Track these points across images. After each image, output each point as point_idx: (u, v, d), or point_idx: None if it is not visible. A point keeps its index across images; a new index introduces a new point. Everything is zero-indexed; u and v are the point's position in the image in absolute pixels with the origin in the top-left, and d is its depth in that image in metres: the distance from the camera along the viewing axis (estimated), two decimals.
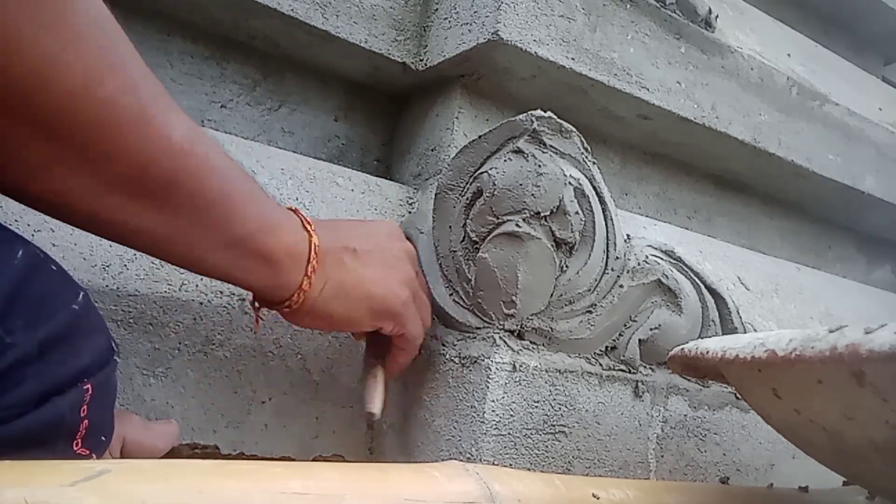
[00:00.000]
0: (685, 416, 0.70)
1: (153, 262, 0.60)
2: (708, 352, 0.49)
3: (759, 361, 0.43)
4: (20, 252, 0.36)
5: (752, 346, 0.44)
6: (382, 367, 0.60)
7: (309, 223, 0.49)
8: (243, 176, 0.45)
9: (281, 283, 0.47)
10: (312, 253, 0.47)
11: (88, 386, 0.38)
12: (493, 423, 0.57)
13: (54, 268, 0.38)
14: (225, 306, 0.62)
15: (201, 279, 0.62)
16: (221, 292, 0.62)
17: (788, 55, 1.04)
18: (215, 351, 0.61)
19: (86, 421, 0.38)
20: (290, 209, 0.50)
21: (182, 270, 0.61)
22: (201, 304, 0.61)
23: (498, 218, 0.59)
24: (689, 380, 0.70)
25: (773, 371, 0.43)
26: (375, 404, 0.58)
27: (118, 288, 0.57)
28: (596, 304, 0.63)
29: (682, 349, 0.53)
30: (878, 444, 0.41)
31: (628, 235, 0.68)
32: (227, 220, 0.43)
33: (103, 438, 0.41)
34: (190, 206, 0.41)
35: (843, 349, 0.37)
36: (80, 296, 0.39)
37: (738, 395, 0.73)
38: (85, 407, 0.38)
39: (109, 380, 0.41)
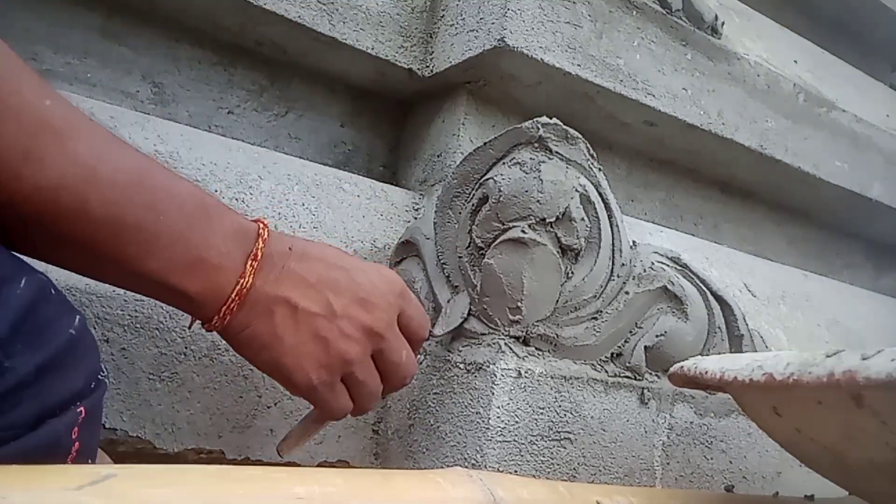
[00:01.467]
0: (691, 423, 0.70)
1: None
2: (707, 372, 0.49)
3: (757, 384, 0.43)
4: (23, 281, 0.37)
5: (751, 369, 0.44)
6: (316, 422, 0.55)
7: (255, 259, 0.44)
8: (160, 203, 0.41)
9: (196, 313, 0.45)
10: (234, 294, 0.44)
11: (81, 409, 0.39)
12: (498, 429, 0.57)
13: (53, 292, 0.39)
14: None
15: None
16: None
17: (795, 62, 1.04)
18: (221, 356, 0.61)
19: (77, 443, 0.39)
20: (257, 222, 0.46)
21: None
22: None
23: (503, 224, 0.59)
24: None
25: (772, 391, 0.43)
26: (286, 444, 0.55)
27: (124, 293, 0.57)
28: (601, 311, 0.63)
29: (682, 367, 0.53)
30: (878, 464, 0.41)
31: (634, 242, 0.68)
32: (121, 258, 0.40)
33: (90, 462, 0.41)
34: (71, 243, 0.39)
35: (840, 376, 0.37)
36: (77, 320, 0.39)
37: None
38: (76, 429, 0.38)
39: (99, 403, 0.41)
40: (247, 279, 0.44)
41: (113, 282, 0.44)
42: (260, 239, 0.45)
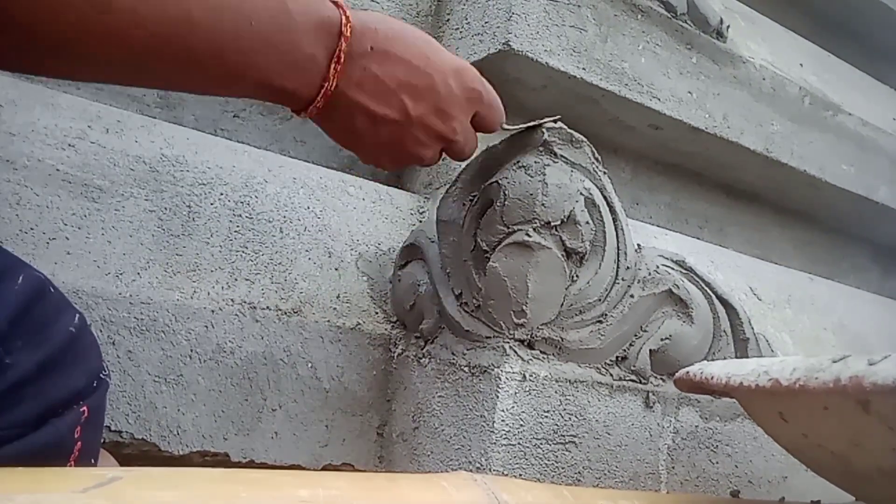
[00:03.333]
0: (696, 427, 0.70)
1: (166, 270, 0.60)
2: (713, 377, 0.49)
3: (763, 390, 0.42)
4: (21, 277, 0.37)
5: (757, 374, 0.43)
6: None
7: (338, 62, 0.46)
8: (247, 6, 0.42)
9: (291, 106, 0.48)
10: (320, 97, 0.46)
11: (84, 408, 0.39)
12: (503, 432, 0.57)
13: (52, 290, 0.39)
14: (236, 314, 0.62)
15: (213, 287, 0.62)
16: (233, 300, 0.62)
17: (801, 65, 1.04)
18: (226, 359, 0.61)
19: (79, 443, 0.39)
20: (339, 7, 0.47)
21: (194, 278, 0.61)
22: (213, 311, 0.61)
23: (508, 227, 0.59)
24: None
25: (778, 397, 0.43)
26: None
27: (131, 295, 0.58)
28: (606, 314, 0.63)
29: (688, 372, 0.53)
30: (885, 470, 0.41)
31: (639, 245, 0.68)
32: (224, 67, 0.42)
33: (92, 461, 0.42)
34: (176, 68, 0.41)
35: (846, 381, 0.37)
36: (77, 318, 0.39)
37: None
38: (79, 428, 0.38)
39: (102, 403, 0.41)
40: (330, 83, 0.46)
41: (214, 91, 0.47)
42: (342, 38, 0.45)
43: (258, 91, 0.45)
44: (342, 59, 0.46)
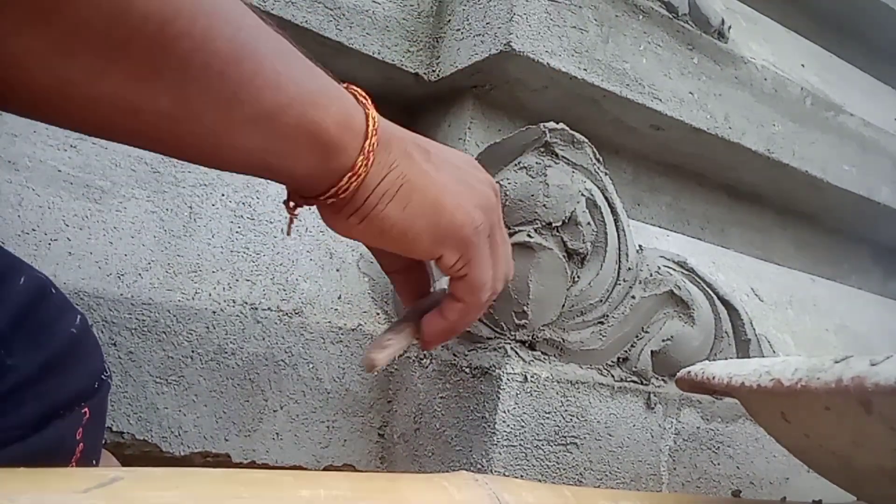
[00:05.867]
0: (698, 428, 0.70)
1: (167, 271, 0.60)
2: (714, 377, 0.49)
3: (764, 390, 0.42)
4: (22, 278, 0.37)
5: (758, 374, 0.43)
6: (414, 327, 0.48)
7: (364, 97, 0.40)
8: (274, 36, 0.35)
9: (330, 165, 0.37)
10: (371, 128, 0.38)
11: (86, 409, 0.39)
12: (504, 433, 0.57)
13: (54, 291, 0.39)
14: (237, 315, 0.62)
15: (214, 288, 0.62)
16: (234, 301, 0.63)
17: (802, 65, 1.04)
18: (227, 360, 0.61)
19: (81, 444, 0.39)
20: (341, 83, 0.40)
21: (196, 279, 0.61)
22: (214, 312, 0.61)
23: (509, 228, 0.59)
24: None
25: (780, 397, 0.43)
26: (380, 355, 0.45)
27: (132, 296, 0.58)
28: (608, 315, 0.63)
29: (689, 372, 0.53)
30: (887, 470, 0.41)
31: (640, 246, 0.68)
32: (253, 85, 0.33)
33: (94, 463, 0.42)
34: (194, 67, 0.30)
35: (848, 382, 0.37)
36: (78, 319, 0.39)
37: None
38: (80, 430, 0.38)
39: (103, 404, 0.41)
40: (369, 110, 0.39)
41: (207, 147, 0.35)
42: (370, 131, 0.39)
43: (285, 134, 0.35)
44: (375, 147, 0.39)
